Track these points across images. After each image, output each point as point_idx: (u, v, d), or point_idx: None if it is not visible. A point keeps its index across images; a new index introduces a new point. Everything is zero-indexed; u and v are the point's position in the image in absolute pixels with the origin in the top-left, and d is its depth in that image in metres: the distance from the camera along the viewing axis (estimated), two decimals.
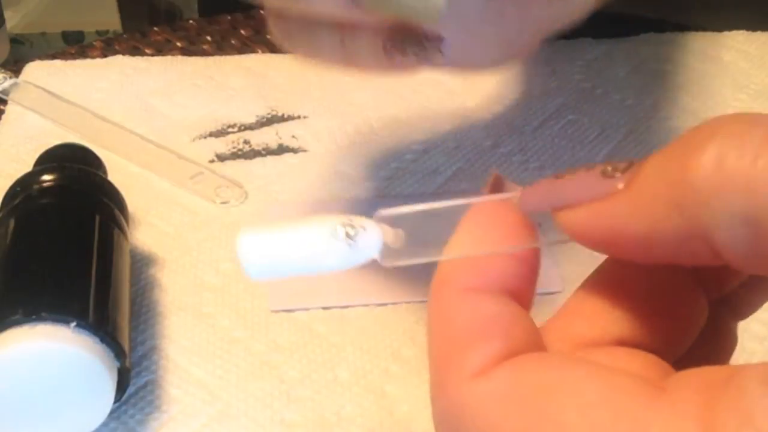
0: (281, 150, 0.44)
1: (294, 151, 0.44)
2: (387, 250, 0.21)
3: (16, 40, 0.91)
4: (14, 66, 0.51)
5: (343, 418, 0.31)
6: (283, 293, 0.36)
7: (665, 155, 0.18)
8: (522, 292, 0.21)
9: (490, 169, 0.22)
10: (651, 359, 0.20)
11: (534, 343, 0.20)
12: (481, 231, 0.21)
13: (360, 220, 0.21)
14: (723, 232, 0.16)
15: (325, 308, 0.35)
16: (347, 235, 0.21)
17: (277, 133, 0.46)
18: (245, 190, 0.41)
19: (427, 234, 0.22)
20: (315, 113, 0.47)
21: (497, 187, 0.22)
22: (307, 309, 0.35)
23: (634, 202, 0.18)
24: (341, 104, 0.47)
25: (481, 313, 0.20)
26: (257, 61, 0.51)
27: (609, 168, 0.19)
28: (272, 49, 0.53)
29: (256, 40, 0.55)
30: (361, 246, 0.21)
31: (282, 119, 0.47)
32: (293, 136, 0.45)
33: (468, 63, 0.30)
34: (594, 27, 0.52)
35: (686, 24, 0.54)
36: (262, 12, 0.57)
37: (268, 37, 0.55)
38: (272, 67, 0.51)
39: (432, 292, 0.21)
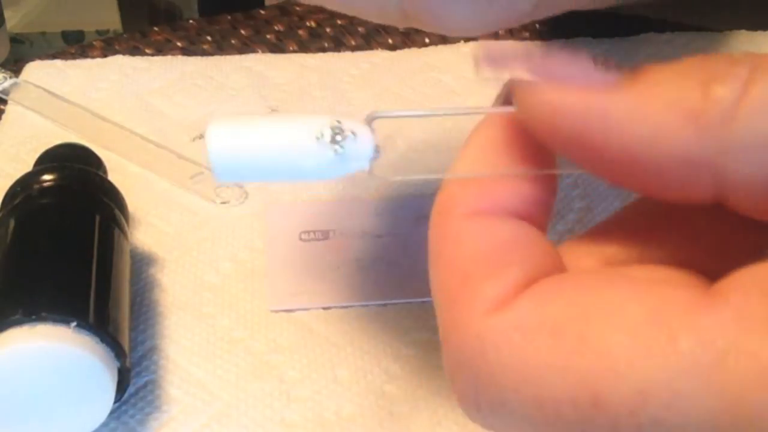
0: None
1: None
2: (379, 161, 0.19)
3: (16, 40, 0.91)
4: (14, 66, 0.51)
5: (342, 418, 0.31)
6: (283, 293, 0.36)
7: (681, 67, 0.16)
8: (536, 219, 0.18)
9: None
10: (692, 273, 0.17)
11: (555, 267, 0.18)
12: (491, 148, 0.18)
13: (350, 123, 0.18)
14: (739, 160, 0.14)
15: (325, 308, 0.35)
16: (334, 139, 0.18)
17: None
18: (245, 190, 0.41)
19: (428, 151, 0.19)
20: (315, 113, 0.47)
21: (511, 100, 0.18)
22: (307, 309, 0.35)
23: (638, 102, 0.15)
24: (341, 104, 0.47)
25: (492, 239, 0.17)
26: (257, 61, 0.51)
27: (601, 62, 0.16)
28: (272, 49, 0.53)
29: (256, 40, 0.55)
30: (349, 153, 0.18)
31: None
32: None
33: (447, 22, 0.26)
34: (594, 27, 0.52)
35: (686, 24, 0.54)
36: (262, 12, 0.57)
37: (268, 37, 0.55)
38: (272, 67, 0.51)
39: (433, 219, 0.18)
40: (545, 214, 0.18)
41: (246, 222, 0.40)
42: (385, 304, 0.35)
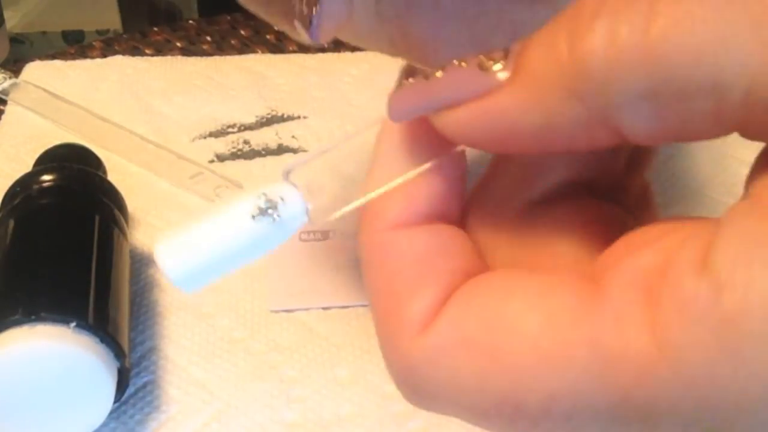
0: (281, 150, 0.44)
1: (294, 151, 0.44)
2: (314, 211, 0.19)
3: (16, 40, 0.91)
4: (14, 66, 0.51)
5: (342, 418, 0.31)
6: (283, 293, 0.36)
7: (548, 37, 0.16)
8: (453, 209, 0.20)
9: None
10: (601, 213, 0.19)
11: (475, 264, 0.19)
12: (397, 150, 0.19)
13: (274, 190, 0.19)
14: (626, 113, 0.15)
15: (325, 308, 0.35)
16: (266, 212, 0.19)
17: (277, 133, 0.46)
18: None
19: (358, 176, 0.20)
20: (315, 113, 0.47)
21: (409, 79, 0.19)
22: (307, 309, 0.35)
23: (524, 95, 0.16)
24: (341, 104, 0.47)
25: (411, 252, 0.19)
26: (257, 61, 0.51)
27: (484, 59, 0.17)
28: (272, 49, 0.54)
29: (256, 40, 0.55)
30: (285, 217, 0.19)
31: (282, 119, 0.47)
32: (293, 136, 0.45)
33: (432, 57, 0.27)
34: None
35: None
36: None
37: (268, 37, 0.55)
38: (272, 67, 0.51)
39: (360, 235, 0.20)
40: (459, 200, 0.20)
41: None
42: None
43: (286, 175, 0.19)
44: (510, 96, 0.17)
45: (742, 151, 0.41)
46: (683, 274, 0.15)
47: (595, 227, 0.19)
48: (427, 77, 0.18)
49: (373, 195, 0.19)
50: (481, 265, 0.19)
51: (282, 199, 0.19)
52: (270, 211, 0.19)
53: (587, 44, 0.15)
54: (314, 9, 0.23)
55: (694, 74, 0.15)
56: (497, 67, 0.17)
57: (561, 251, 0.19)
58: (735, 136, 0.16)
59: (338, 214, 0.20)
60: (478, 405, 0.17)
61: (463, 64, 0.17)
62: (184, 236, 0.19)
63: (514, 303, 0.17)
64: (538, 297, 0.17)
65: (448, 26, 0.26)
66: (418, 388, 0.18)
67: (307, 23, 0.24)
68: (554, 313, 0.16)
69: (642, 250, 0.16)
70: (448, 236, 0.19)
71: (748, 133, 0.15)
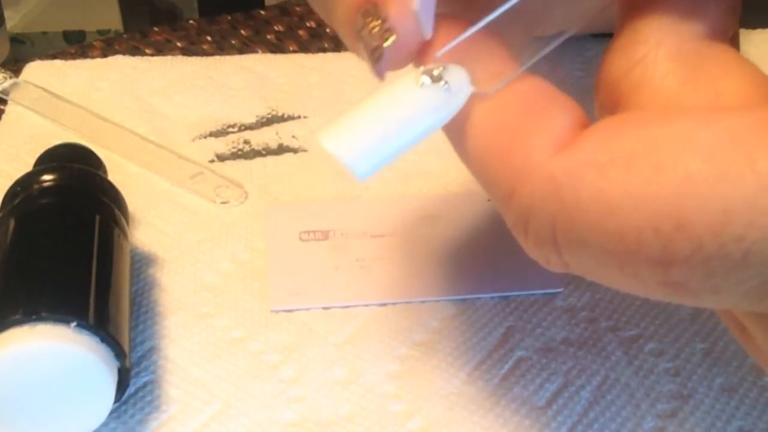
0: (281, 150, 0.45)
1: (294, 151, 0.44)
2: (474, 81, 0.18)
3: (16, 40, 0.91)
4: (14, 66, 0.51)
5: (342, 418, 0.31)
6: (283, 293, 0.36)
7: None
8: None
9: None
10: (753, 90, 0.18)
11: (583, 114, 0.18)
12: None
13: (429, 67, 0.18)
14: None
15: (325, 308, 0.35)
16: (435, 78, 0.18)
17: (277, 133, 0.46)
18: (245, 190, 0.41)
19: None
20: (315, 113, 0.47)
21: None
22: (307, 309, 0.35)
23: None
24: (341, 104, 0.47)
25: (519, 94, 0.18)
26: (257, 61, 0.51)
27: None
28: (272, 49, 0.54)
29: (256, 40, 0.55)
30: (454, 84, 0.18)
31: (282, 119, 0.47)
32: (293, 136, 0.45)
33: None
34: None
35: None
36: (262, 12, 0.57)
37: (268, 37, 0.55)
38: (272, 67, 0.51)
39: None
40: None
41: (246, 222, 0.40)
42: (384, 304, 0.35)
43: (434, 60, 0.18)
44: None
45: None
46: None
47: (755, 73, 0.18)
48: None
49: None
50: (588, 120, 0.18)
51: (444, 68, 0.18)
52: (436, 75, 0.18)
53: None
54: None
55: None
56: None
57: (727, 89, 0.18)
58: None
59: (506, 80, 0.18)
60: (632, 226, 0.16)
61: None
62: (348, 119, 0.17)
63: (682, 122, 0.16)
64: (713, 114, 0.16)
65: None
66: (560, 215, 0.17)
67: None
68: (732, 127, 0.15)
69: None
70: (548, 84, 0.18)
71: None
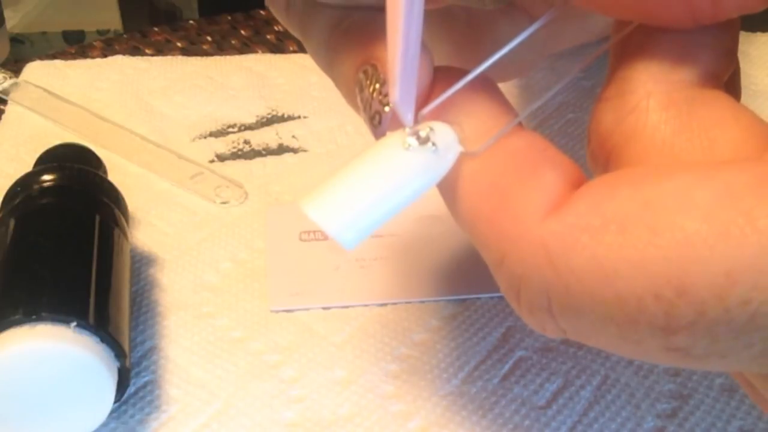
0: (281, 150, 0.45)
1: (294, 151, 0.44)
2: (463, 140, 0.18)
3: (16, 40, 0.91)
4: (14, 66, 0.51)
5: (342, 418, 0.31)
6: (283, 293, 0.36)
7: None
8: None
9: None
10: (749, 117, 0.17)
11: (578, 172, 0.17)
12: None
13: (415, 127, 0.17)
14: None
15: (325, 308, 0.35)
16: (422, 140, 0.17)
17: (277, 133, 0.46)
18: (245, 190, 0.42)
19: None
20: (315, 113, 0.47)
21: None
22: (307, 309, 0.35)
23: None
24: (341, 104, 0.47)
25: (510, 152, 0.17)
26: (257, 61, 0.51)
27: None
28: (272, 49, 0.54)
29: (256, 40, 0.55)
30: (442, 145, 0.17)
31: (282, 119, 0.47)
32: (293, 136, 0.45)
33: None
34: None
35: None
36: (262, 12, 0.57)
37: (268, 37, 0.55)
38: (272, 67, 0.51)
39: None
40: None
41: (246, 222, 0.40)
42: (384, 304, 0.35)
43: (424, 116, 0.18)
44: None
45: None
46: None
47: (751, 121, 0.17)
48: None
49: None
50: (582, 176, 0.18)
51: (431, 129, 0.17)
52: (425, 137, 0.17)
53: None
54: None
55: None
56: None
57: (721, 139, 0.17)
58: None
59: (493, 139, 0.18)
60: (631, 292, 0.15)
61: None
62: (332, 185, 0.17)
63: (677, 179, 0.15)
64: (709, 171, 0.15)
65: None
66: (554, 283, 0.16)
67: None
68: (730, 184, 0.15)
69: None
70: (544, 141, 0.18)
71: None
